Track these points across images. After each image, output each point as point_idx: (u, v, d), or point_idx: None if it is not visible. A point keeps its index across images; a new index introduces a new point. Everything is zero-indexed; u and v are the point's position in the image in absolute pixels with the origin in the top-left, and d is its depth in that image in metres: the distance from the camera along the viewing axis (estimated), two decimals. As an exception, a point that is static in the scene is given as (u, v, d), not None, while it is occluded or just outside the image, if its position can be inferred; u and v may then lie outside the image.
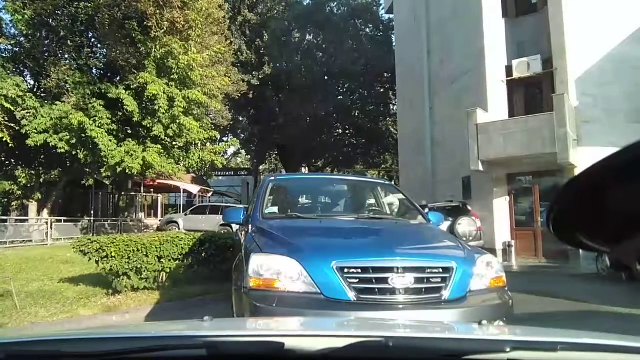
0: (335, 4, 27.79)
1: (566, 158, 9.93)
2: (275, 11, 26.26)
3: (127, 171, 13.19)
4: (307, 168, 32.29)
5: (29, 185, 14.68)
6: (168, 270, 6.01)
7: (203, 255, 6.29)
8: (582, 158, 9.98)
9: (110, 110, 12.96)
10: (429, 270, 2.76)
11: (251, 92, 22.58)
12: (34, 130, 12.40)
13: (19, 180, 14.17)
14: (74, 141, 12.69)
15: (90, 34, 15.09)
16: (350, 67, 24.75)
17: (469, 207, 11.39)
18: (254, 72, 23.58)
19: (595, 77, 10.73)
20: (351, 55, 25.21)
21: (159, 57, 13.03)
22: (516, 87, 12.54)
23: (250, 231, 3.59)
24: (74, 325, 4.71)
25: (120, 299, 5.58)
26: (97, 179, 17.26)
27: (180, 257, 5.98)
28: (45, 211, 15.65)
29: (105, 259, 5.43)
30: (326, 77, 26.49)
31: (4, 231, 13.70)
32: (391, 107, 29.29)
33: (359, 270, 2.68)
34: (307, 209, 4.80)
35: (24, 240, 14.07)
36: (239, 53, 22.58)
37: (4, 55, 13.85)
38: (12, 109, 12.17)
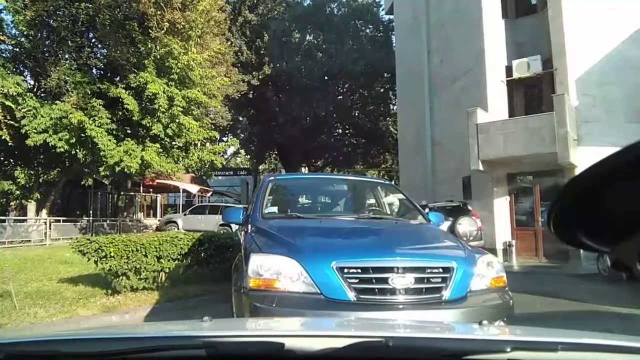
0: (336, 4, 27.84)
1: (566, 158, 9.93)
2: (276, 12, 26.29)
3: (125, 170, 13.19)
4: (307, 168, 32.29)
5: (27, 185, 14.66)
6: (167, 271, 5.99)
7: (202, 255, 6.27)
8: (582, 158, 9.98)
9: (109, 110, 12.97)
10: (429, 270, 2.75)
11: (251, 92, 22.57)
12: (34, 130, 12.39)
13: (18, 180, 14.15)
14: (73, 141, 12.67)
15: (91, 34, 15.09)
16: (350, 67, 24.77)
17: (469, 207, 11.38)
18: (254, 72, 23.57)
19: (595, 77, 10.74)
20: (351, 55, 25.22)
21: (158, 57, 13.04)
22: (516, 87, 12.56)
23: (249, 231, 3.59)
24: (72, 325, 4.69)
25: (119, 299, 5.56)
26: (96, 179, 17.26)
27: (179, 257, 5.96)
28: (44, 211, 15.63)
29: (104, 259, 5.41)
30: (326, 77, 26.50)
31: (3, 231, 13.68)
32: (391, 107, 29.33)
33: (359, 270, 2.68)
34: (307, 208, 4.80)
35: (22, 240, 14.04)
36: (239, 53, 22.57)
37: (4, 55, 13.84)
38: (13, 107, 12.15)
